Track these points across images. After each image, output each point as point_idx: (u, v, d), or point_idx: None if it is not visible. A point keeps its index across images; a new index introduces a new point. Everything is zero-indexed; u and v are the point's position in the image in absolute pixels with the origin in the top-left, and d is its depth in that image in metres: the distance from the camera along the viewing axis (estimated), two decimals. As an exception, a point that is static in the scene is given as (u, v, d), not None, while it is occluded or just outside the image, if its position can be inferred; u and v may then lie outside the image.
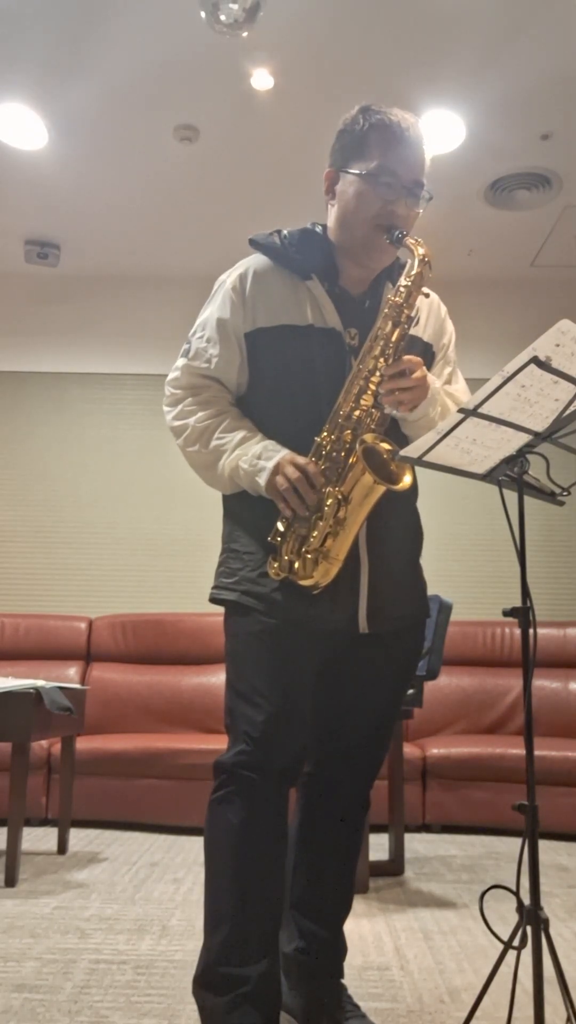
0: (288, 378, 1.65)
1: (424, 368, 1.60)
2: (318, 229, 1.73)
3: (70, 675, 4.54)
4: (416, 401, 1.58)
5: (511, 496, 1.53)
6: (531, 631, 1.50)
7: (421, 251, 1.60)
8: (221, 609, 1.70)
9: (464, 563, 4.92)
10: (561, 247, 4.85)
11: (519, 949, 1.41)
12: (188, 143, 3.98)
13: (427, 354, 1.74)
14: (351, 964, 2.01)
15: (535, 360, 1.30)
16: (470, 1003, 1.77)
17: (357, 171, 1.63)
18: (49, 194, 4.41)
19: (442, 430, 1.41)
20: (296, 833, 1.76)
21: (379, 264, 1.70)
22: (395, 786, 3.12)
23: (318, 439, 1.59)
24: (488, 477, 1.55)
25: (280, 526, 1.59)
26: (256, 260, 1.71)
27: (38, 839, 3.57)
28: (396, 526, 1.69)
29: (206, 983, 1.54)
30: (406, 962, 2.14)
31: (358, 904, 2.60)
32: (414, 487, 1.69)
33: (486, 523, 4.90)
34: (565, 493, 1.57)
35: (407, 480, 1.56)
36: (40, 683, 3.02)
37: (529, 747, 1.48)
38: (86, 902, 2.63)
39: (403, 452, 1.47)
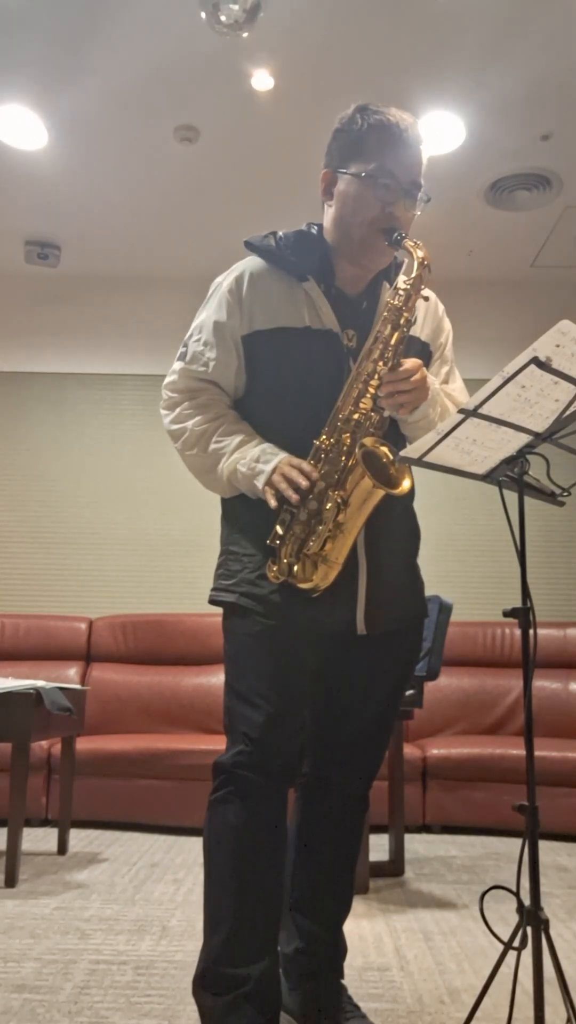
0: (286, 381, 1.65)
1: (424, 370, 1.60)
2: (313, 230, 1.72)
3: (70, 675, 4.54)
4: (417, 403, 1.58)
5: (511, 496, 1.53)
6: (531, 632, 1.50)
7: (420, 254, 1.59)
8: (221, 610, 1.70)
9: (464, 563, 4.92)
10: (561, 248, 4.85)
11: (519, 950, 1.41)
12: (188, 143, 3.98)
13: (425, 353, 1.74)
14: (351, 965, 2.01)
15: (535, 361, 1.30)
16: (470, 1004, 1.77)
17: (355, 172, 1.62)
18: (49, 194, 4.41)
19: (442, 431, 1.41)
20: (295, 833, 1.75)
21: (376, 265, 1.69)
22: (395, 786, 3.12)
23: (317, 442, 1.59)
24: (488, 478, 1.55)
25: (279, 529, 1.58)
26: (252, 262, 1.70)
27: (38, 839, 3.57)
28: (394, 528, 1.69)
29: (206, 983, 1.54)
30: (406, 963, 2.14)
31: (358, 904, 2.60)
32: (411, 489, 1.69)
33: (486, 523, 4.90)
34: (565, 493, 1.57)
35: (406, 484, 1.55)
36: (40, 683, 3.02)
37: (529, 748, 1.48)
38: (86, 903, 2.63)
39: (403, 453, 1.47)
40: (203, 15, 3.15)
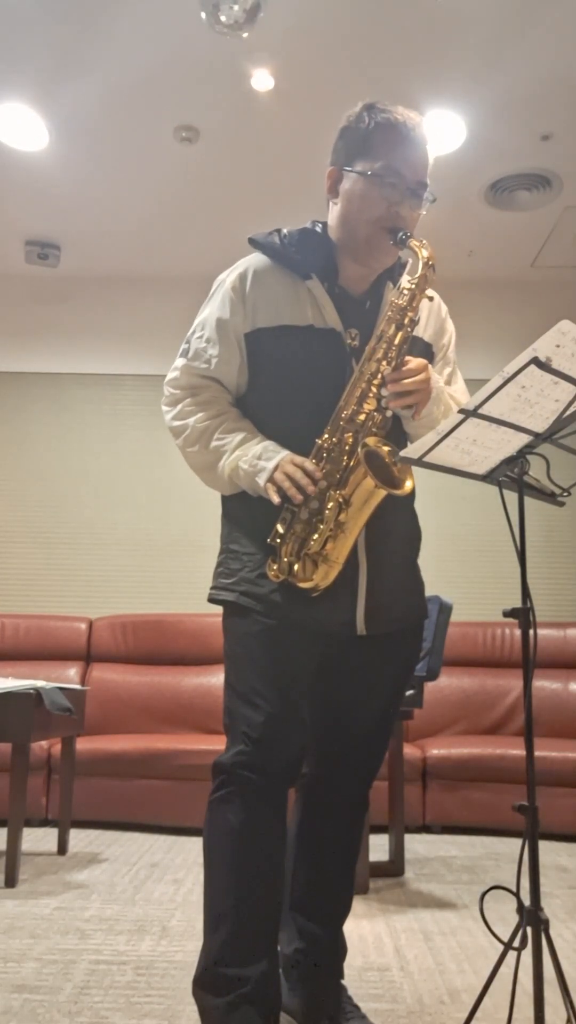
0: (288, 379, 1.64)
1: (429, 369, 1.59)
2: (318, 228, 1.72)
3: (70, 676, 4.54)
4: (422, 403, 1.58)
5: (511, 497, 1.53)
6: (531, 632, 1.50)
7: (425, 254, 1.58)
8: (221, 609, 1.70)
9: (464, 563, 4.92)
10: (561, 248, 4.85)
11: (519, 950, 1.41)
12: (188, 143, 3.98)
13: (427, 354, 1.73)
14: (351, 965, 2.00)
15: (535, 361, 1.30)
16: (470, 1004, 1.77)
17: (361, 170, 1.62)
18: (49, 194, 4.41)
19: (442, 431, 1.41)
20: (295, 833, 1.75)
21: (381, 264, 1.69)
22: (395, 787, 3.12)
23: (319, 441, 1.59)
24: (488, 478, 1.55)
25: (279, 527, 1.58)
26: (256, 260, 1.70)
27: (38, 839, 3.57)
28: (394, 528, 1.68)
29: (206, 984, 1.53)
30: (406, 963, 2.14)
31: (358, 905, 2.60)
32: (412, 489, 1.68)
33: (486, 523, 4.90)
34: (565, 494, 1.57)
35: (408, 485, 1.55)
36: (40, 684, 3.02)
37: (529, 748, 1.48)
38: (86, 903, 2.63)
39: (403, 452, 1.47)
40: (203, 15, 3.15)
